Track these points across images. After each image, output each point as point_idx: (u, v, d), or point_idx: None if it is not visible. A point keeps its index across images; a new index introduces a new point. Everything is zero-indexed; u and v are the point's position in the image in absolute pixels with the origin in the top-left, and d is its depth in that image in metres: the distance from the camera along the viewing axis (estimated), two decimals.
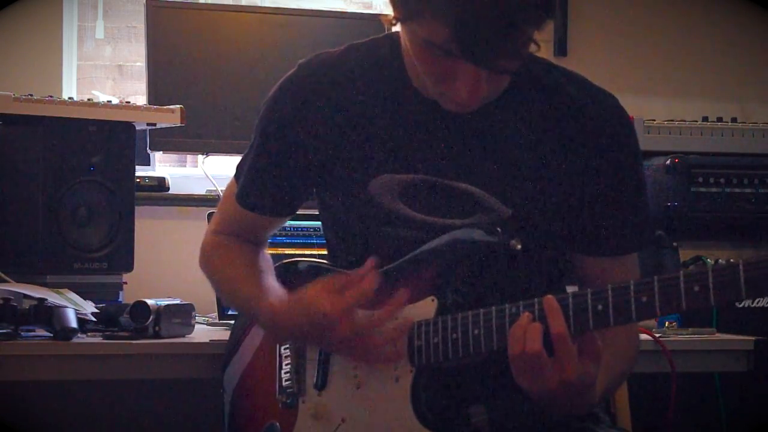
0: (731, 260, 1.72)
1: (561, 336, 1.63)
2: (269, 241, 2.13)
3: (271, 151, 1.96)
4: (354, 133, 1.89)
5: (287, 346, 1.98)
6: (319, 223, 2.73)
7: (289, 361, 1.97)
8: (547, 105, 1.87)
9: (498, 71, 1.69)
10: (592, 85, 1.91)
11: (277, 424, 1.96)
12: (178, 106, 2.76)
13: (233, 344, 2.12)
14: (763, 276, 1.48)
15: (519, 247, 1.78)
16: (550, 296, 1.66)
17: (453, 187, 1.86)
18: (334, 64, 1.92)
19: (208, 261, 2.07)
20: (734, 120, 3.40)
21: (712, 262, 2.97)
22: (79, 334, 2.29)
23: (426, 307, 1.81)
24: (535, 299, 1.67)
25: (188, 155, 3.33)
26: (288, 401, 1.95)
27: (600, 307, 1.61)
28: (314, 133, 1.91)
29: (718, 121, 3.37)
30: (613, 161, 1.87)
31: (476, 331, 1.73)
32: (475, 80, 1.71)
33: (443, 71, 1.72)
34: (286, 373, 1.97)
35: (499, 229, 1.79)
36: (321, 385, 1.91)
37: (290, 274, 2.02)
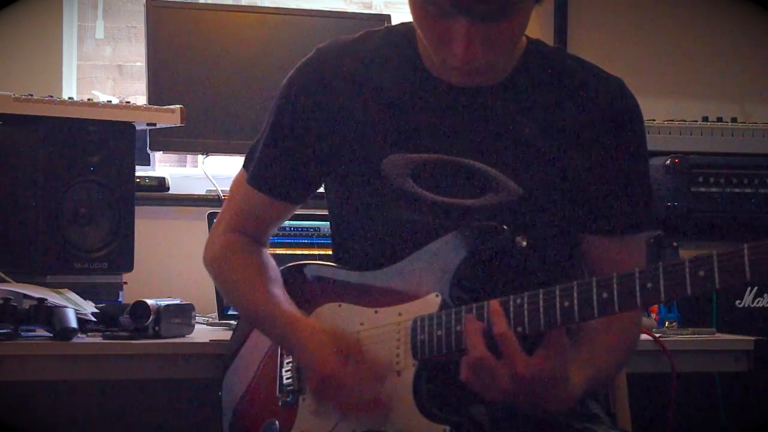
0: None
1: (503, 337, 1.67)
2: (269, 240, 2.13)
3: (285, 132, 1.98)
4: (368, 113, 1.92)
5: None
6: (319, 223, 2.75)
7: (290, 359, 1.97)
8: (556, 85, 1.90)
9: (487, 19, 1.72)
10: (599, 69, 1.95)
11: (277, 422, 1.96)
12: (178, 106, 2.76)
13: (236, 345, 2.12)
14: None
15: (524, 244, 1.80)
16: (494, 301, 1.70)
17: (465, 166, 1.88)
18: (351, 48, 1.96)
19: (216, 263, 2.07)
20: (734, 120, 3.39)
21: None
22: (79, 334, 2.29)
23: (430, 303, 1.82)
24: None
25: (188, 155, 3.33)
26: (288, 399, 1.95)
27: (605, 294, 1.62)
28: (328, 114, 1.94)
29: (718, 121, 3.37)
30: (622, 140, 1.90)
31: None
32: (468, 37, 1.74)
33: (440, 32, 1.77)
34: (287, 371, 1.97)
35: (505, 226, 1.81)
36: None
37: (297, 277, 2.03)
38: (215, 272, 2.08)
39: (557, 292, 1.66)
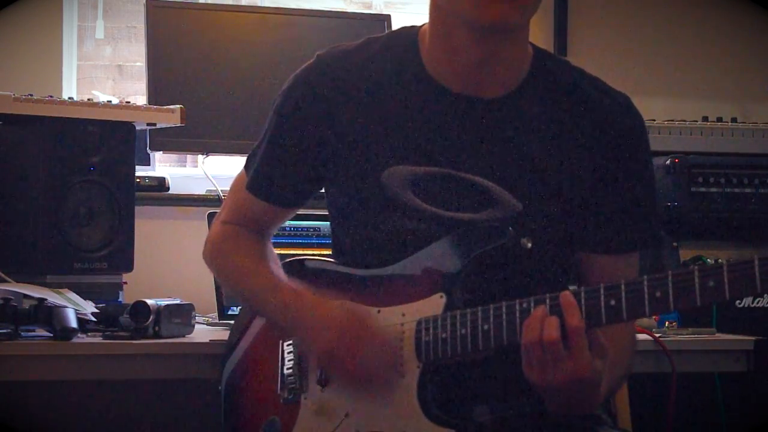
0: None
1: (578, 330, 1.63)
2: (270, 238, 2.13)
3: (285, 140, 1.96)
4: (369, 122, 1.90)
5: (290, 341, 1.98)
6: (319, 223, 2.75)
7: (291, 357, 1.96)
8: (563, 101, 1.89)
9: None
10: (607, 86, 1.93)
11: (278, 419, 1.95)
12: (178, 106, 2.76)
13: (234, 340, 2.12)
14: None
15: (530, 245, 1.80)
16: (566, 292, 1.66)
17: (466, 180, 1.87)
18: (352, 55, 1.94)
19: (216, 250, 2.05)
20: (734, 120, 3.40)
21: (712, 263, 2.97)
22: (79, 334, 2.29)
23: (434, 304, 1.81)
24: (547, 295, 1.67)
25: (188, 155, 3.33)
26: (290, 397, 1.94)
27: (613, 302, 1.62)
28: (329, 123, 1.92)
29: (718, 121, 3.37)
30: (627, 159, 1.88)
31: (485, 327, 1.73)
32: None
33: None
34: (288, 368, 1.96)
35: (510, 227, 1.80)
36: (324, 381, 1.91)
37: (298, 273, 2.02)
38: (215, 261, 2.06)
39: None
